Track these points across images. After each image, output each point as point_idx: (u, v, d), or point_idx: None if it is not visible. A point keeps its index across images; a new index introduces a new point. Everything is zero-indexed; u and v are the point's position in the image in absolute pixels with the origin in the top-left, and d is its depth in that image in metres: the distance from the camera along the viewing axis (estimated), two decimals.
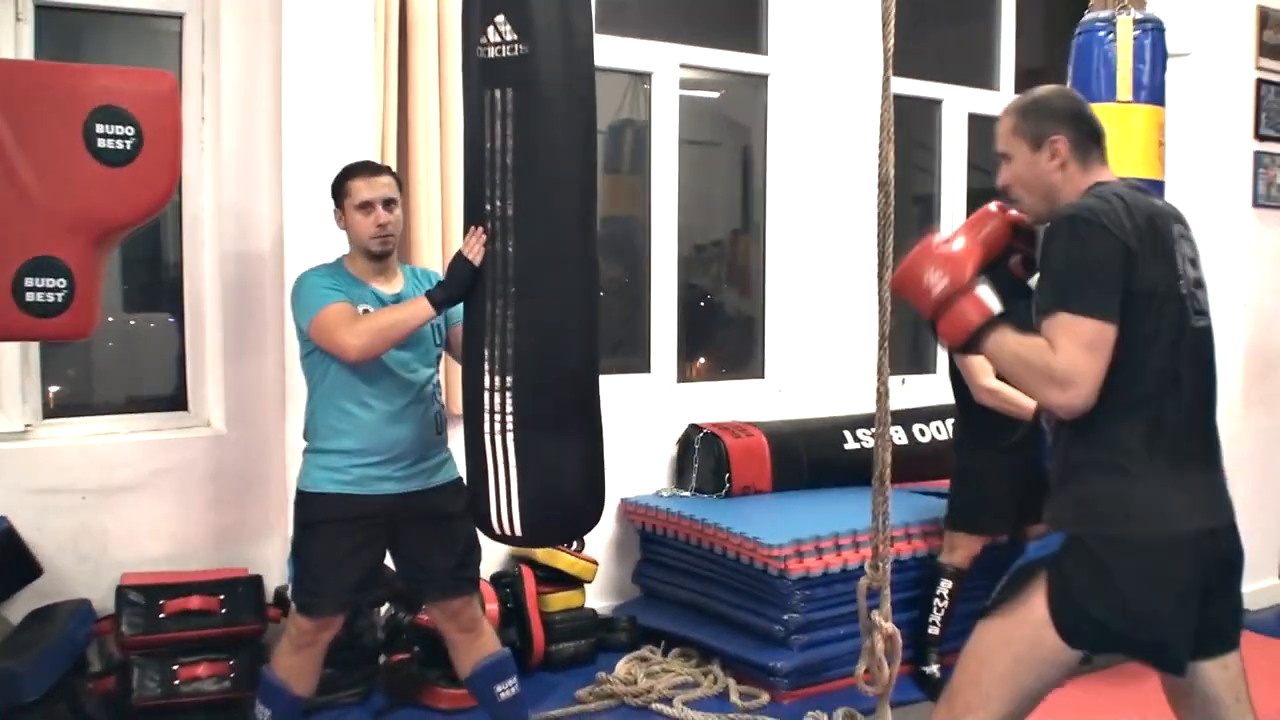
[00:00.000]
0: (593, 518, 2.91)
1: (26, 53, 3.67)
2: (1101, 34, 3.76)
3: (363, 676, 3.73)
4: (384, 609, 3.84)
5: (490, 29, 2.69)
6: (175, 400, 4.06)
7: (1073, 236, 2.11)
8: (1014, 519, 3.97)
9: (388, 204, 3.02)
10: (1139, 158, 3.76)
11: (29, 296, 2.62)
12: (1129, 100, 3.73)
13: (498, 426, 2.70)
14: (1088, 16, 3.85)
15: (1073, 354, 2.06)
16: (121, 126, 2.69)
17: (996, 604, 2.24)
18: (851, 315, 4.91)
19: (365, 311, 2.95)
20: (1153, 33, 3.76)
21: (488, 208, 2.71)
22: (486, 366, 2.71)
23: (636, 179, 4.99)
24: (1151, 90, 3.77)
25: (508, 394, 2.69)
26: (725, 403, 4.89)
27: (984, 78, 5.76)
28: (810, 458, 4.68)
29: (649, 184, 4.87)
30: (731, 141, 5.62)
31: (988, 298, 2.22)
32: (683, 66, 4.90)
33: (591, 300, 2.84)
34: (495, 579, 4.07)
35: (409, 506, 3.01)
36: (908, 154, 5.88)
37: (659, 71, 4.81)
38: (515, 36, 2.66)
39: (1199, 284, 2.21)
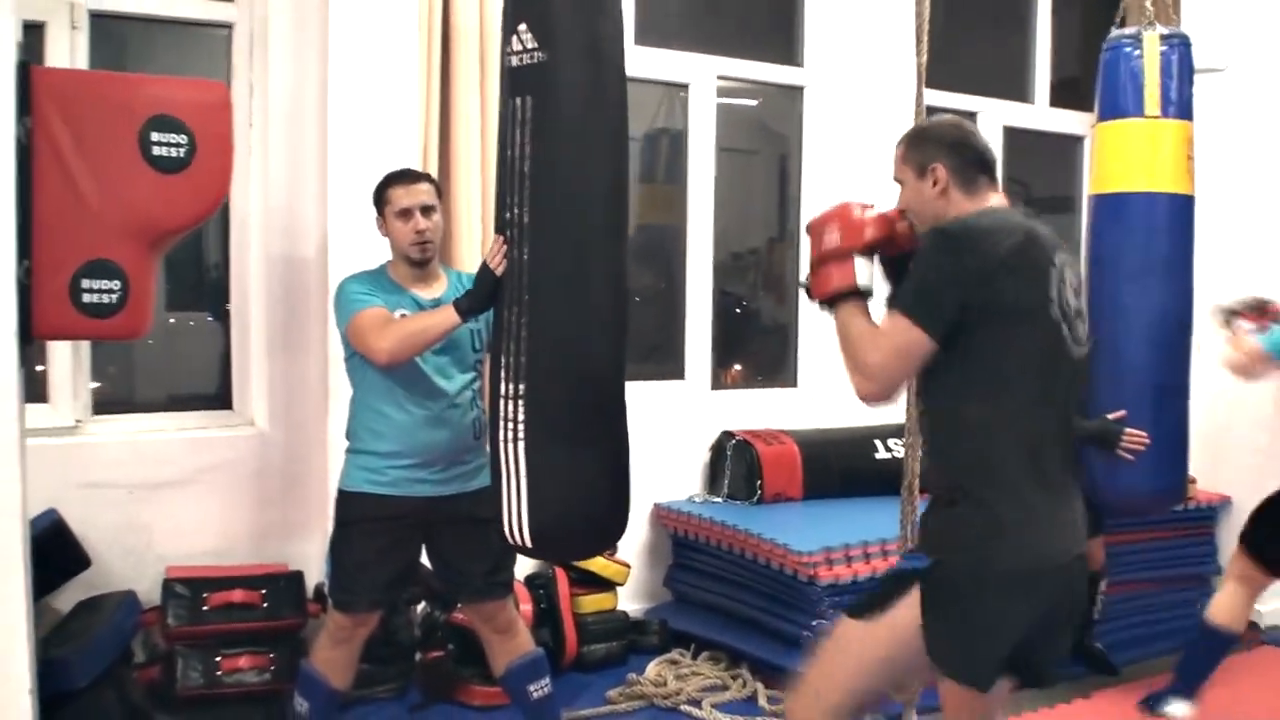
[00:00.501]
0: (608, 533, 2.87)
1: (81, 60, 3.77)
2: (1128, 49, 3.79)
3: (398, 672, 3.82)
4: (420, 607, 3.93)
5: (514, 37, 2.74)
6: (219, 399, 4.16)
7: (934, 247, 2.20)
8: None
9: (426, 211, 3.10)
10: (1168, 172, 3.78)
11: (85, 297, 2.70)
12: (1157, 115, 3.75)
13: (510, 434, 2.68)
14: (1114, 33, 3.89)
15: (886, 352, 2.20)
16: (176, 135, 2.77)
17: (867, 606, 2.32)
18: None
19: (403, 316, 3.03)
20: (1179, 48, 3.78)
21: (508, 215, 2.75)
22: (503, 374, 2.70)
23: (674, 188, 5.04)
24: (1179, 105, 3.78)
25: (520, 402, 2.66)
26: (758, 410, 4.94)
27: (1019, 90, 5.79)
28: (841, 466, 4.73)
29: (686, 192, 4.93)
30: (769, 150, 5.67)
31: (860, 270, 2.32)
32: (720, 78, 4.96)
33: (614, 309, 2.78)
34: (529, 580, 4.15)
35: (444, 510, 3.09)
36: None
37: (696, 83, 4.88)
38: (535, 45, 2.69)
39: (1079, 314, 2.27)
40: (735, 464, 4.61)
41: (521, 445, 2.66)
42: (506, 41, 2.75)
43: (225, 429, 4.07)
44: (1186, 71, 3.80)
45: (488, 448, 2.96)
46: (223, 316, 4.16)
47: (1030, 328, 2.17)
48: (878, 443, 4.78)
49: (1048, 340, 2.19)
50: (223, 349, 4.16)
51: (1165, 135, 3.78)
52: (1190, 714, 3.60)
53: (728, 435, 4.70)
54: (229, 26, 4.04)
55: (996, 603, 2.16)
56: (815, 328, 5.16)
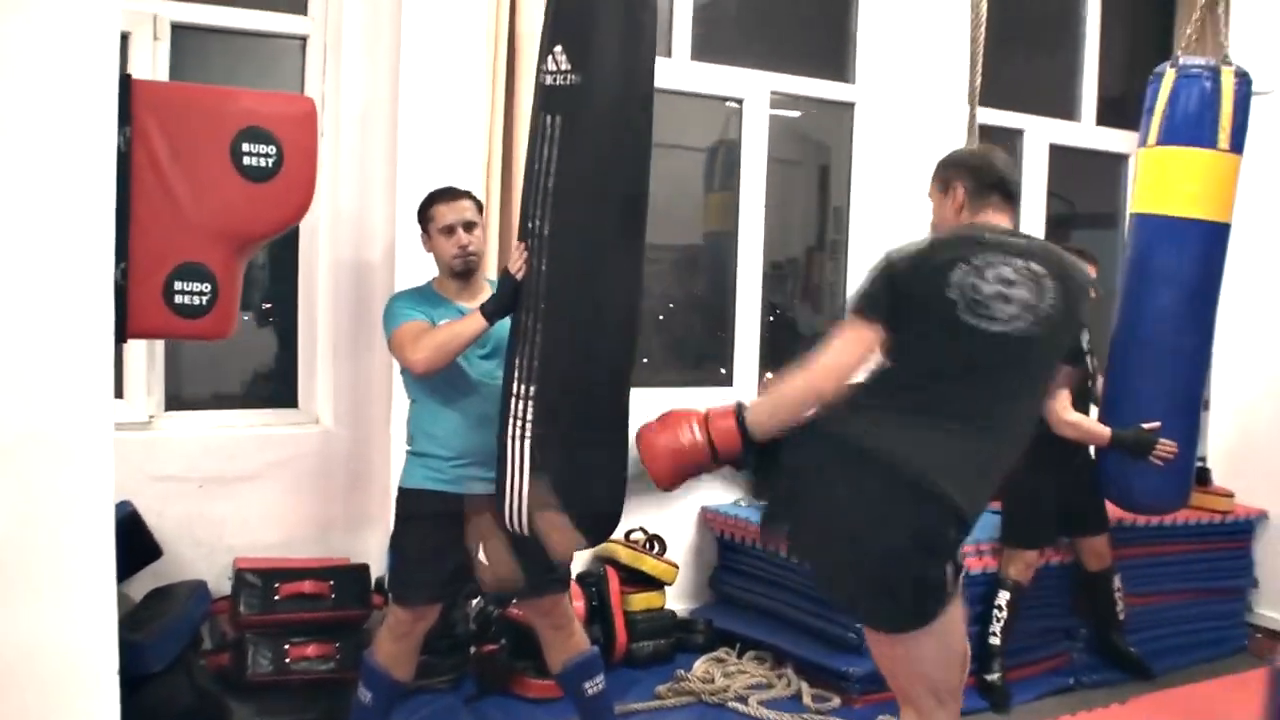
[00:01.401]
0: (600, 529, 3.07)
1: (163, 70, 3.93)
2: (1205, 81, 3.93)
3: (454, 664, 3.94)
4: (475, 602, 4.05)
5: (550, 57, 2.87)
6: (286, 397, 4.31)
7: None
8: (1064, 531, 4.22)
9: (468, 226, 3.22)
10: (1222, 202, 3.99)
11: (177, 299, 2.85)
12: (1226, 149, 3.92)
13: (519, 431, 2.87)
14: (1184, 60, 4.01)
15: (838, 351, 2.57)
16: (265, 145, 2.92)
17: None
18: None
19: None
20: (1247, 84, 3.97)
21: (529, 225, 2.90)
22: (516, 375, 2.89)
23: (730, 195, 5.14)
24: (1240, 140, 3.98)
25: (530, 402, 2.85)
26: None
27: (1066, 108, 5.87)
28: None
29: (738, 203, 5.04)
30: (810, 160, 5.76)
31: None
32: (773, 93, 5.07)
33: (623, 320, 2.99)
34: (581, 578, 4.27)
35: (494, 507, 3.18)
36: None
37: (750, 98, 4.99)
38: (570, 67, 2.83)
39: (1003, 298, 2.49)
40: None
41: (529, 443, 2.86)
42: (543, 60, 2.89)
43: (292, 426, 4.22)
44: (1247, 108, 3.98)
45: None
46: (294, 318, 4.30)
47: (940, 315, 2.49)
48: None
49: (957, 324, 2.47)
50: (291, 350, 4.31)
51: (1227, 168, 3.96)
52: None
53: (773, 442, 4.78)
54: (304, 39, 4.19)
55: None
56: None
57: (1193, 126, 3.95)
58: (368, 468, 4.18)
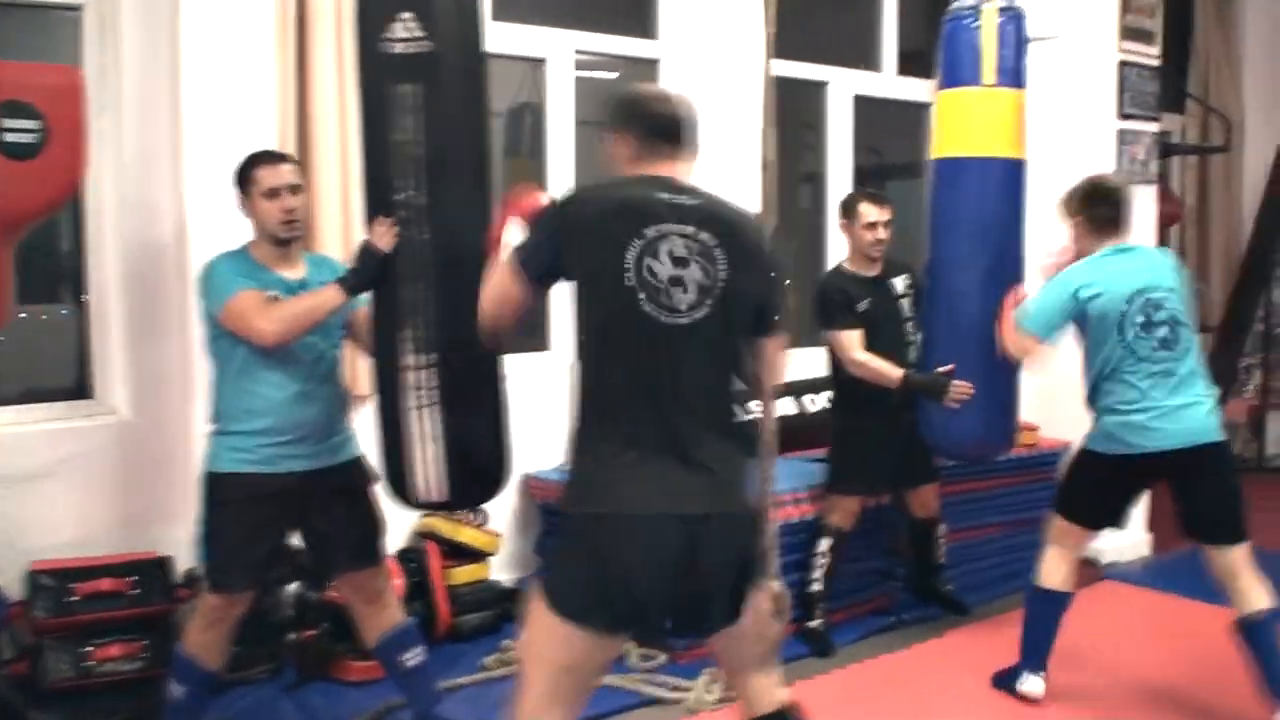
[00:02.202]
0: (501, 483, 3.17)
1: None
2: (968, 21, 4.01)
3: (271, 653, 3.84)
4: (292, 586, 3.94)
5: (396, 25, 2.82)
6: (78, 389, 4.11)
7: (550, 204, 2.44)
8: (892, 481, 4.28)
9: (293, 190, 3.13)
10: (1003, 138, 4.04)
11: None
12: (993, 84, 3.98)
13: (419, 402, 2.92)
14: (955, 4, 4.10)
15: (487, 295, 2.42)
16: (27, 120, 2.78)
17: None
18: None
19: (274, 297, 3.06)
20: (1014, 19, 4.03)
21: (398, 198, 2.85)
22: (408, 347, 2.91)
23: (535, 162, 5.09)
24: (1014, 74, 4.02)
25: (430, 372, 2.91)
26: None
27: (869, 60, 5.97)
28: None
29: (545, 167, 4.99)
30: None
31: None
32: (578, 52, 5.02)
33: None
34: (401, 555, 4.19)
35: (316, 483, 3.13)
36: (798, 134, 6.08)
37: (553, 58, 4.93)
38: (423, 34, 2.80)
39: (677, 282, 2.26)
40: None
41: (432, 410, 2.92)
42: (383, 29, 2.83)
43: (87, 419, 4.02)
44: (1020, 42, 4.03)
45: (349, 420, 3.25)
46: (79, 307, 4.10)
47: (602, 293, 2.29)
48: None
49: (622, 308, 2.25)
50: (77, 340, 4.11)
51: (1000, 103, 4.01)
52: (1042, 688, 3.74)
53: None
54: (78, 9, 3.97)
55: (576, 547, 2.31)
56: None
57: (962, 67, 4.03)
58: (170, 457, 4.01)
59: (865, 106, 5.84)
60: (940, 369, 4.04)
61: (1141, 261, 3.62)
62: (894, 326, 4.24)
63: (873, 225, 4.22)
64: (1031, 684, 3.74)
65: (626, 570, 2.21)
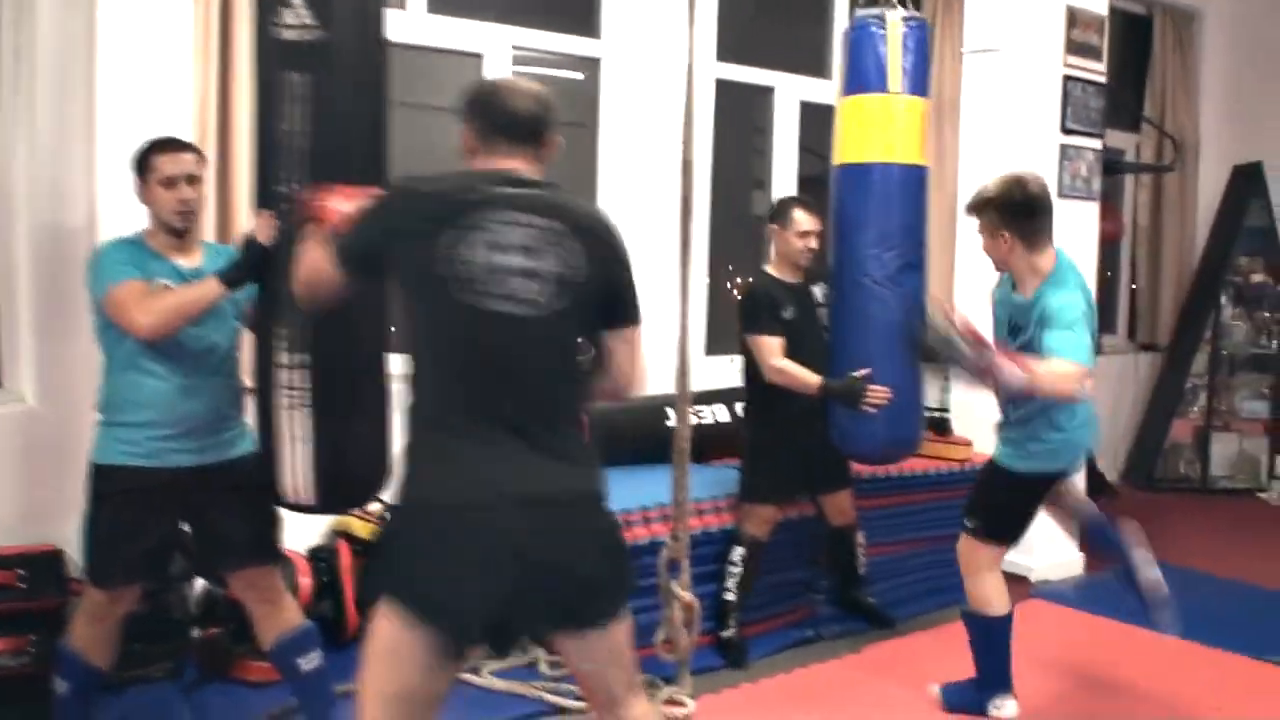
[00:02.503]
0: (378, 487, 3.03)
1: None
2: (873, 29, 4.01)
3: (171, 651, 3.75)
4: (200, 583, 3.86)
5: (286, 11, 2.73)
6: None
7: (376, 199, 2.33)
8: (806, 488, 4.24)
9: (191, 180, 3.05)
10: (907, 145, 4.03)
11: None
12: (898, 91, 3.99)
13: (290, 401, 2.82)
14: (860, 13, 4.10)
15: (299, 278, 2.36)
16: None
17: None
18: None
19: (165, 286, 2.98)
20: (918, 29, 4.04)
21: (280, 190, 2.76)
22: (282, 345, 2.81)
23: None
24: (917, 82, 4.03)
25: (301, 372, 2.80)
26: None
27: (816, 66, 5.92)
28: (635, 435, 4.77)
29: None
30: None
31: None
32: (515, 48, 4.94)
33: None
34: (313, 553, 4.11)
35: (204, 478, 3.04)
36: (747, 139, 6.04)
37: (490, 54, 4.86)
38: (315, 20, 2.71)
39: (525, 272, 2.18)
40: None
41: (303, 411, 2.81)
42: (273, 12, 2.74)
43: None
44: (923, 51, 4.05)
45: (246, 415, 3.13)
46: None
47: (427, 285, 2.18)
48: (670, 410, 4.84)
49: (449, 298, 2.16)
50: None
51: (903, 109, 4.02)
52: (1016, 708, 3.72)
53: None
54: None
55: (412, 539, 2.20)
56: None
57: (867, 74, 4.01)
58: (78, 446, 3.87)
59: (811, 113, 5.79)
60: (856, 374, 4.01)
61: None
62: (815, 334, 4.20)
63: (806, 234, 4.19)
64: (1009, 707, 3.72)
65: (466, 557, 2.12)
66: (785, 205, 4.31)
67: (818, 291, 4.26)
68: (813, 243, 4.20)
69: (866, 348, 4.03)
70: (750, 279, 4.54)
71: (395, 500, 2.25)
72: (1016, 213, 3.46)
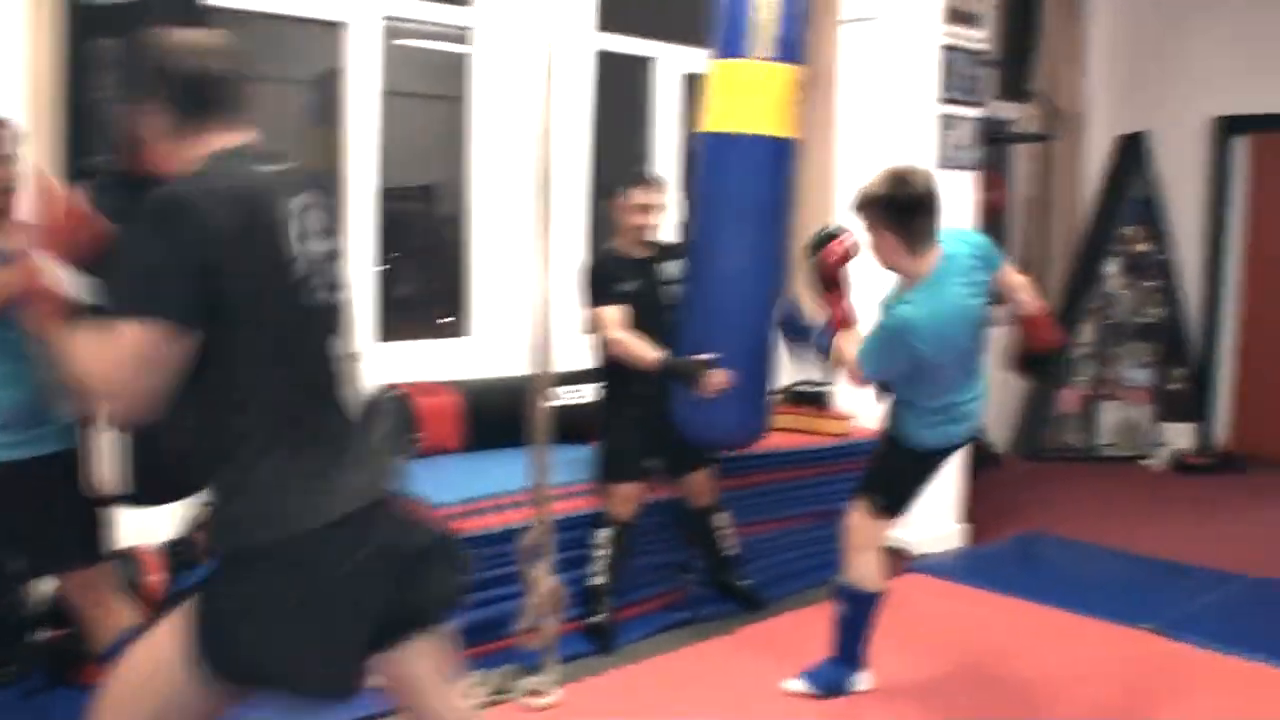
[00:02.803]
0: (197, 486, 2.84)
1: None
2: None
3: (13, 655, 3.57)
4: (55, 585, 3.68)
5: None
6: None
7: (146, 222, 1.83)
8: (665, 468, 4.15)
9: (4, 160, 2.87)
10: (775, 115, 3.87)
11: None
12: (768, 57, 3.82)
13: None
14: None
15: (112, 364, 1.82)
16: None
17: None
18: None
19: None
20: None
21: (91, 161, 2.61)
22: None
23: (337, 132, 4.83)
24: (788, 49, 3.86)
25: None
26: (429, 362, 4.83)
27: (698, 36, 5.80)
28: (511, 416, 4.65)
29: (347, 136, 4.73)
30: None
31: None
32: (387, 19, 4.77)
33: None
34: (171, 547, 3.94)
35: (21, 475, 2.89)
36: (633, 114, 5.93)
37: (355, 23, 4.68)
38: None
39: (331, 256, 2.03)
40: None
41: None
42: None
43: None
44: (796, 17, 3.87)
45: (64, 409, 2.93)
46: None
47: (266, 291, 1.89)
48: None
49: (285, 298, 1.92)
50: None
51: (774, 78, 3.85)
52: (871, 681, 3.73)
53: (385, 388, 4.56)
54: None
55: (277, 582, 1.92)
56: (487, 277, 5.08)
57: (736, 37, 3.84)
58: None
59: (693, 84, 5.68)
60: (700, 356, 3.90)
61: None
62: (657, 311, 4.10)
63: (643, 208, 4.11)
64: (864, 680, 3.74)
65: (352, 588, 1.93)
66: (625, 179, 4.22)
67: (670, 268, 4.17)
68: (649, 217, 4.13)
69: (714, 327, 3.92)
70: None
71: (237, 546, 1.92)
72: (898, 211, 3.32)
